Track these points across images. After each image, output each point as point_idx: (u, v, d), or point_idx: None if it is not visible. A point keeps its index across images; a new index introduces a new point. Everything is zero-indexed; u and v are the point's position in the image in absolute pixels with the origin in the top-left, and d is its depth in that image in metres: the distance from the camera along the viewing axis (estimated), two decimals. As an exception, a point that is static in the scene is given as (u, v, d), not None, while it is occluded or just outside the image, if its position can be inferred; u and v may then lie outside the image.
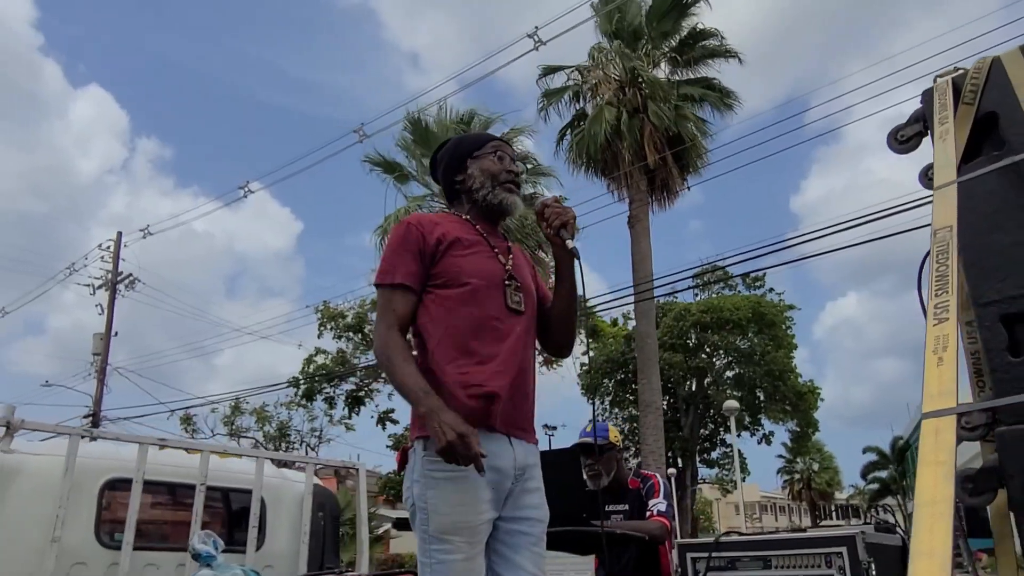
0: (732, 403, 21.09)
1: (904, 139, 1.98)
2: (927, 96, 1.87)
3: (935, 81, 1.88)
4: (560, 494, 2.85)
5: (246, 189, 17.40)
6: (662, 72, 15.86)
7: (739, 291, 30.03)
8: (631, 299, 15.08)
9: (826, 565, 2.53)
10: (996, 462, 1.55)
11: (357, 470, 5.21)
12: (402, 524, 21.81)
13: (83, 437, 4.12)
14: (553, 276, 2.19)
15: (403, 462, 1.99)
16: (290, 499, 5.12)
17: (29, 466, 4.08)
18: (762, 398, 27.93)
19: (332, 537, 5.32)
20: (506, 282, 2.01)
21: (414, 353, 2.04)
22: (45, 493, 3.89)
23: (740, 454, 30.70)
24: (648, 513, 3.28)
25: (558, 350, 2.22)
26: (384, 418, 22.46)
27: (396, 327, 1.93)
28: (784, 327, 27.13)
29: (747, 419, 28.92)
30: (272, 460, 5.22)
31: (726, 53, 15.55)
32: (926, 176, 2.00)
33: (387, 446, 24.36)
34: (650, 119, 14.75)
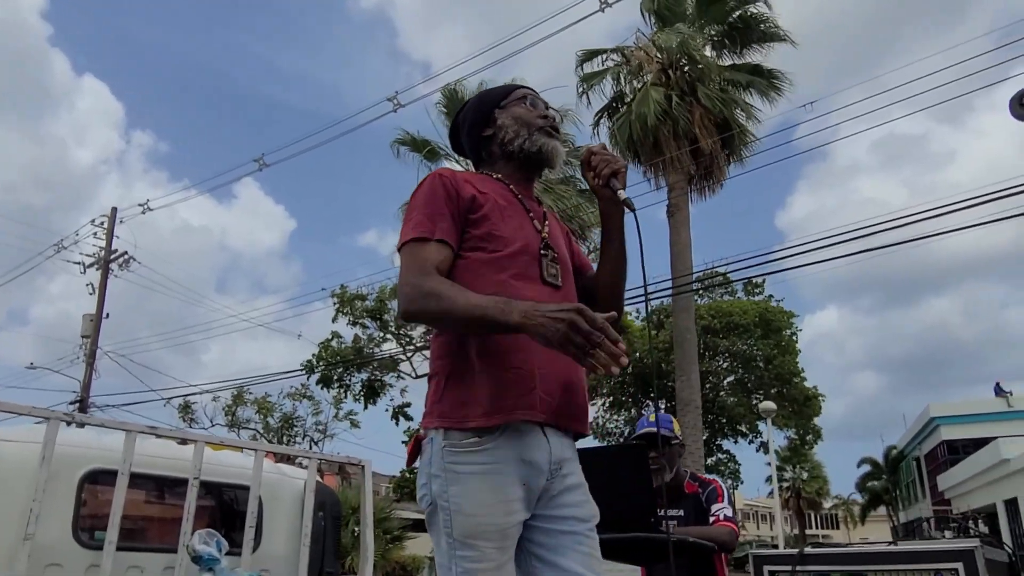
0: (769, 404, 20.62)
1: (1035, 104, 1.73)
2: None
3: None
4: (622, 495, 2.47)
5: (261, 161, 16.97)
6: (707, 54, 15.51)
7: (738, 296, 29.80)
8: (659, 293, 14.50)
9: (937, 584, 2.15)
10: None
11: (363, 467, 4.79)
12: (418, 525, 21.25)
13: (65, 423, 3.70)
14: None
15: (415, 454, 1.69)
16: (289, 497, 4.71)
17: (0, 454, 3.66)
18: (760, 400, 27.71)
19: (332, 539, 4.91)
20: (542, 251, 1.74)
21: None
22: (17, 484, 3.48)
23: (735, 460, 30.42)
24: (713, 518, 2.90)
25: None
26: (399, 412, 21.98)
27: (433, 273, 1.61)
28: (788, 333, 26.94)
29: (745, 425, 28.65)
30: (272, 454, 4.81)
31: (777, 37, 15.16)
32: (1020, 103, 1.79)
33: (402, 442, 23.97)
34: (700, 102, 14.35)
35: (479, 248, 1.70)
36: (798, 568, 2.36)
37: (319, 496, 4.67)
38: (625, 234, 1.82)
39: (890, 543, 2.50)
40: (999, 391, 34.71)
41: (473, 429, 1.58)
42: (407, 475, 23.62)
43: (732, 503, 2.98)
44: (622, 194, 1.70)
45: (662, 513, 2.99)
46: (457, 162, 15.74)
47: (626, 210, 1.76)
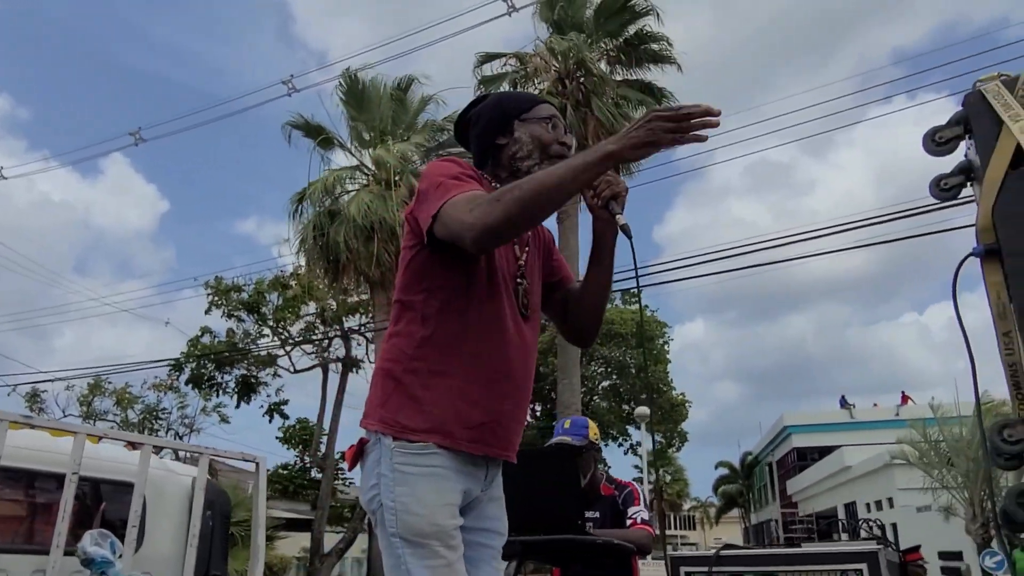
0: (643, 410, 21.42)
1: (942, 141, 1.91)
2: (970, 98, 1.81)
3: (975, 85, 1.81)
4: (550, 497, 2.49)
5: (137, 136, 15.83)
6: (602, 67, 15.87)
7: (616, 305, 30.83)
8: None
9: (842, 583, 2.31)
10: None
11: (257, 464, 4.57)
12: (290, 525, 20.44)
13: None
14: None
15: (356, 459, 1.65)
16: (174, 494, 4.45)
17: None
18: (631, 408, 28.75)
19: (220, 540, 4.67)
20: (517, 279, 1.74)
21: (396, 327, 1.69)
22: None
23: (605, 462, 31.39)
24: (630, 521, 2.97)
25: (581, 338, 1.93)
26: (275, 409, 21.07)
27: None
28: (661, 342, 28.12)
29: (615, 429, 29.65)
30: (157, 448, 4.51)
31: (668, 59, 15.71)
32: (938, 186, 1.93)
33: (276, 438, 23.10)
34: (594, 113, 14.64)
35: (463, 259, 1.64)
36: (714, 569, 2.47)
37: (208, 494, 4.43)
38: (615, 256, 1.78)
39: (796, 544, 2.67)
40: (844, 403, 37.86)
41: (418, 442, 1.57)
42: (280, 471, 22.75)
43: (648, 506, 3.07)
44: (621, 218, 1.65)
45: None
46: (353, 154, 15.39)
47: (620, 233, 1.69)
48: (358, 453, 1.65)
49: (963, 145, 1.89)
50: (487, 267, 1.66)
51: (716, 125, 1.45)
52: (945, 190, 1.95)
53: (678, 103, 1.46)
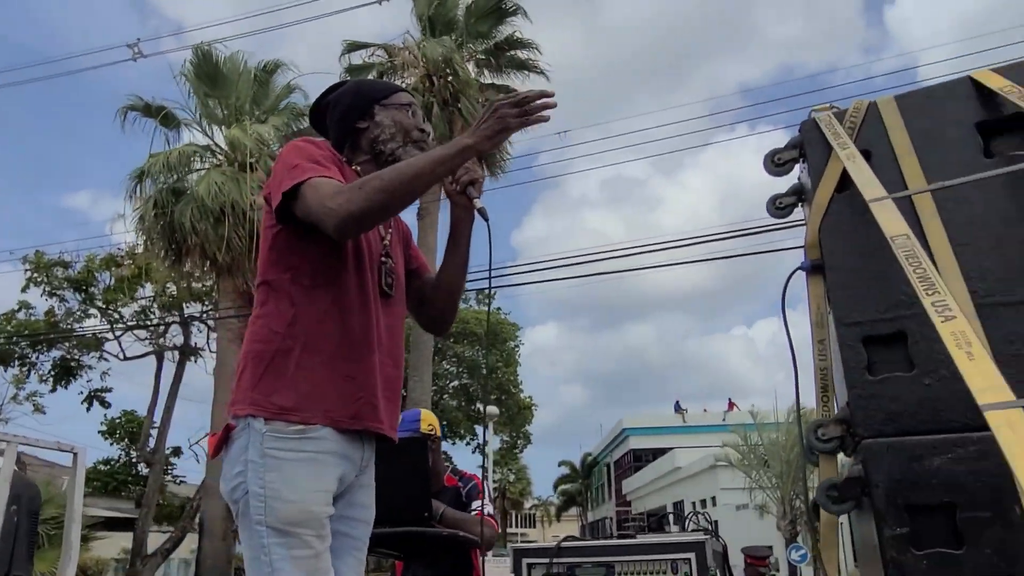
0: (493, 409, 21.67)
1: (781, 162, 2.10)
2: (806, 125, 1.96)
3: (811, 114, 2.03)
4: (397, 488, 2.46)
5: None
6: (470, 70, 15.89)
7: (471, 305, 31.12)
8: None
9: (672, 571, 2.46)
10: (860, 472, 1.60)
11: (75, 455, 4.19)
12: (108, 524, 18.76)
13: None
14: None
15: (220, 447, 1.60)
16: (-27, 488, 3.97)
17: None
18: (478, 409, 29.11)
19: (27, 537, 4.23)
20: (382, 259, 1.76)
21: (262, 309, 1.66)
22: None
23: (451, 460, 31.53)
24: (475, 513, 2.99)
25: (437, 325, 1.97)
26: (95, 397, 19.35)
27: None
28: (512, 345, 28.62)
29: (462, 429, 29.91)
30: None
31: (535, 69, 15.97)
32: (774, 205, 2.13)
33: (99, 432, 21.17)
34: (461, 114, 14.67)
35: (326, 242, 1.61)
36: (555, 560, 2.55)
37: (14, 487, 4.01)
38: (473, 240, 1.83)
39: (625, 536, 2.81)
40: (678, 408, 40.47)
41: (295, 422, 1.53)
42: (99, 467, 21.00)
43: (492, 502, 3.10)
44: (478, 203, 1.70)
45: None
46: (205, 132, 14.49)
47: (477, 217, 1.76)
48: (222, 441, 1.58)
49: (798, 168, 2.07)
50: (353, 245, 1.66)
51: (554, 106, 1.57)
52: (780, 208, 2.13)
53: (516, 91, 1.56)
